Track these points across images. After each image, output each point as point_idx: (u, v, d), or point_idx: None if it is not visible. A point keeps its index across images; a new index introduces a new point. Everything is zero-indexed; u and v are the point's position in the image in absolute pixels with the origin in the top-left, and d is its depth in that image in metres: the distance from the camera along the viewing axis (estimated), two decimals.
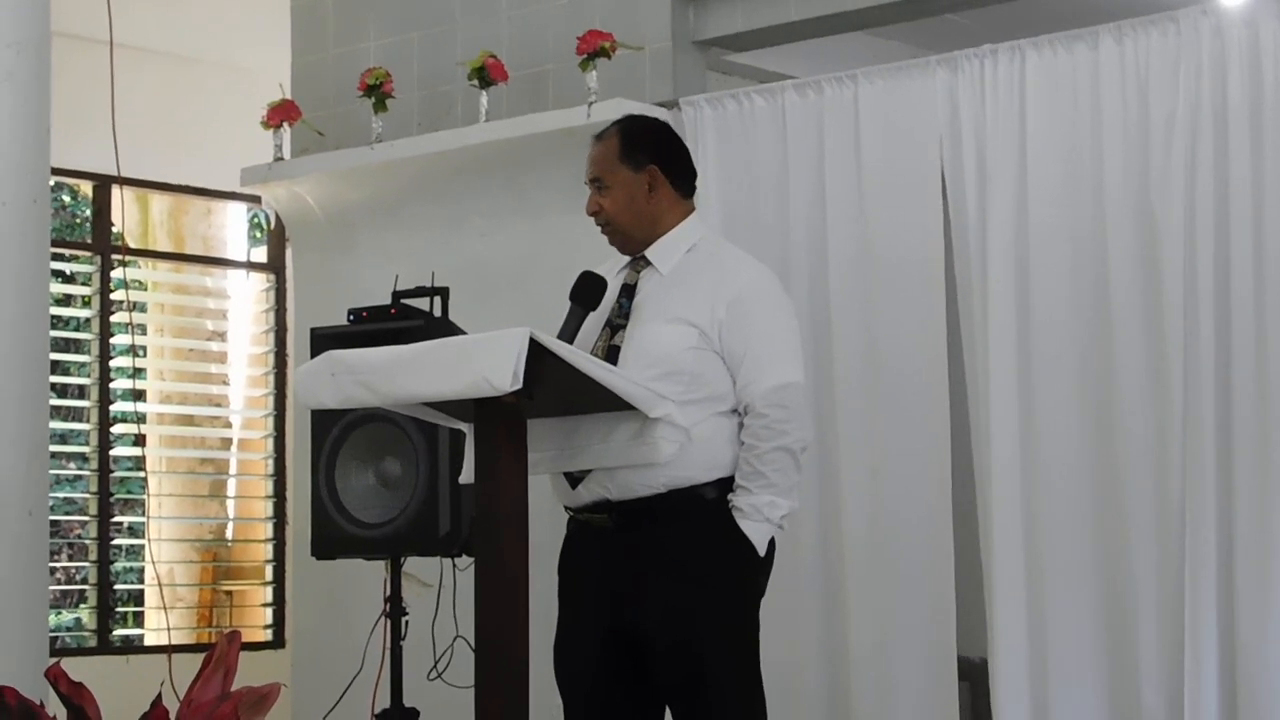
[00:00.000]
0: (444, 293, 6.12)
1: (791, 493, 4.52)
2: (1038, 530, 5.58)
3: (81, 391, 8.61)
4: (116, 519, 8.63)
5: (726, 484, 4.49)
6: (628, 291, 4.66)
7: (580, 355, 4.03)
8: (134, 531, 9.01)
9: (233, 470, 9.17)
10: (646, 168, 4.69)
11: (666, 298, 4.60)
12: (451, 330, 5.84)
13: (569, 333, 4.49)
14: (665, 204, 4.71)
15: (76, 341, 8.63)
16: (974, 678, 6.04)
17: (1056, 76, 5.63)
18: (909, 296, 5.88)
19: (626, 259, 4.74)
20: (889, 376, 5.90)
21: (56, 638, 8.56)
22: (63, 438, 8.50)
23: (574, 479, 4.51)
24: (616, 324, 4.60)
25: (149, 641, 8.70)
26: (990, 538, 5.64)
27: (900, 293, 5.89)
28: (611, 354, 4.54)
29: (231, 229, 9.33)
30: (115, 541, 8.55)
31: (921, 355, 5.84)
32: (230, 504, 9.16)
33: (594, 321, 4.60)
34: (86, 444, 8.47)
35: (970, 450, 5.75)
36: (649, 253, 4.69)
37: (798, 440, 4.50)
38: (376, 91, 6.83)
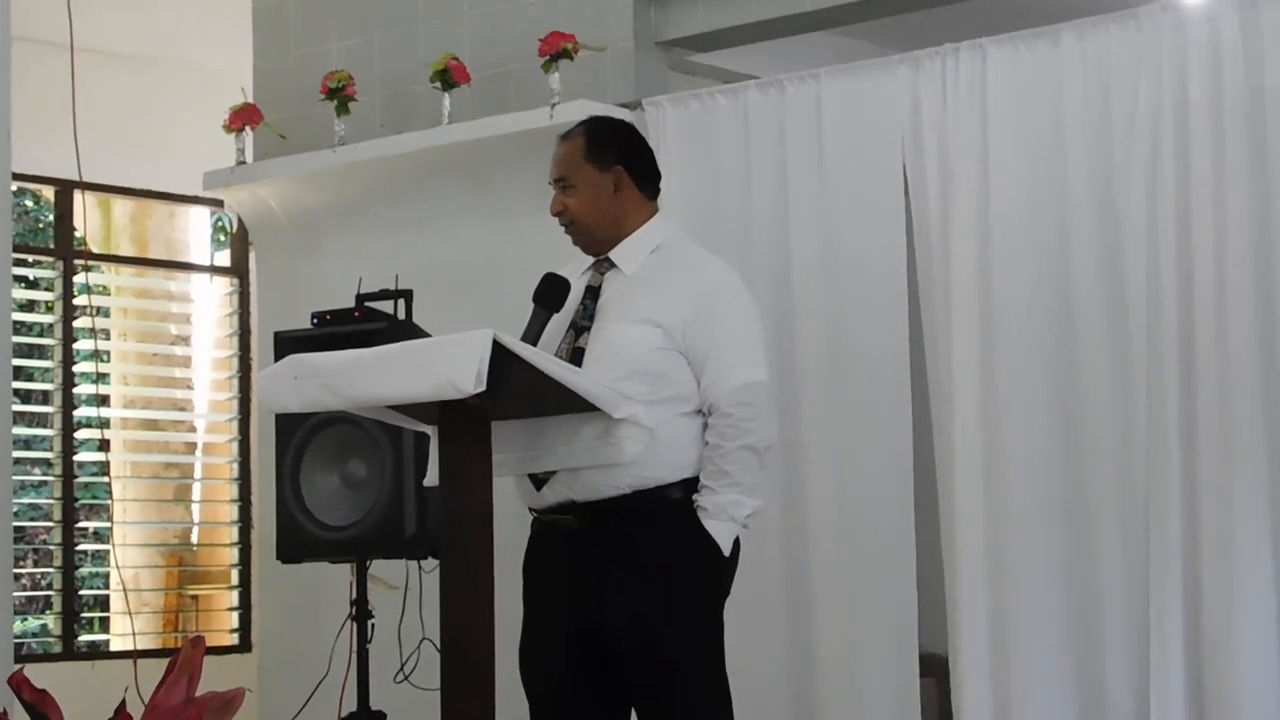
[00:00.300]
0: (408, 295, 6.11)
1: (756, 491, 4.52)
2: (1001, 527, 5.59)
3: (45, 397, 8.58)
4: (81, 524, 8.59)
5: (692, 484, 4.49)
6: (592, 293, 4.65)
7: (544, 357, 4.03)
8: (99, 537, 8.97)
9: (197, 474, 9.14)
10: (613, 168, 4.69)
11: (631, 298, 4.59)
12: (415, 333, 5.84)
13: (533, 334, 4.49)
14: (630, 205, 4.71)
15: (39, 347, 8.60)
16: (941, 674, 6.05)
17: (1018, 74, 5.64)
18: (872, 296, 5.89)
19: (590, 260, 4.73)
20: (852, 375, 5.91)
21: (21, 644, 8.53)
22: (26, 443, 8.46)
23: (539, 480, 4.50)
24: (581, 325, 4.60)
25: (115, 647, 8.67)
26: (953, 535, 5.65)
27: (863, 292, 5.90)
28: (576, 355, 4.53)
29: (194, 233, 9.28)
30: (80, 547, 8.51)
31: (884, 354, 5.85)
32: (195, 508, 9.13)
33: (558, 323, 4.60)
34: (50, 449, 8.43)
35: (933, 447, 5.76)
36: (613, 254, 4.68)
37: (762, 439, 4.50)
38: (339, 94, 6.82)
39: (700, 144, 6.23)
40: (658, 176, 4.82)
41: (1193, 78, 5.32)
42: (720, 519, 4.46)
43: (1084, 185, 5.51)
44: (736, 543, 4.53)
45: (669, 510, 4.47)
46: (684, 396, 4.50)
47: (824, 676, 5.90)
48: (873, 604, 5.84)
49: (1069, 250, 5.52)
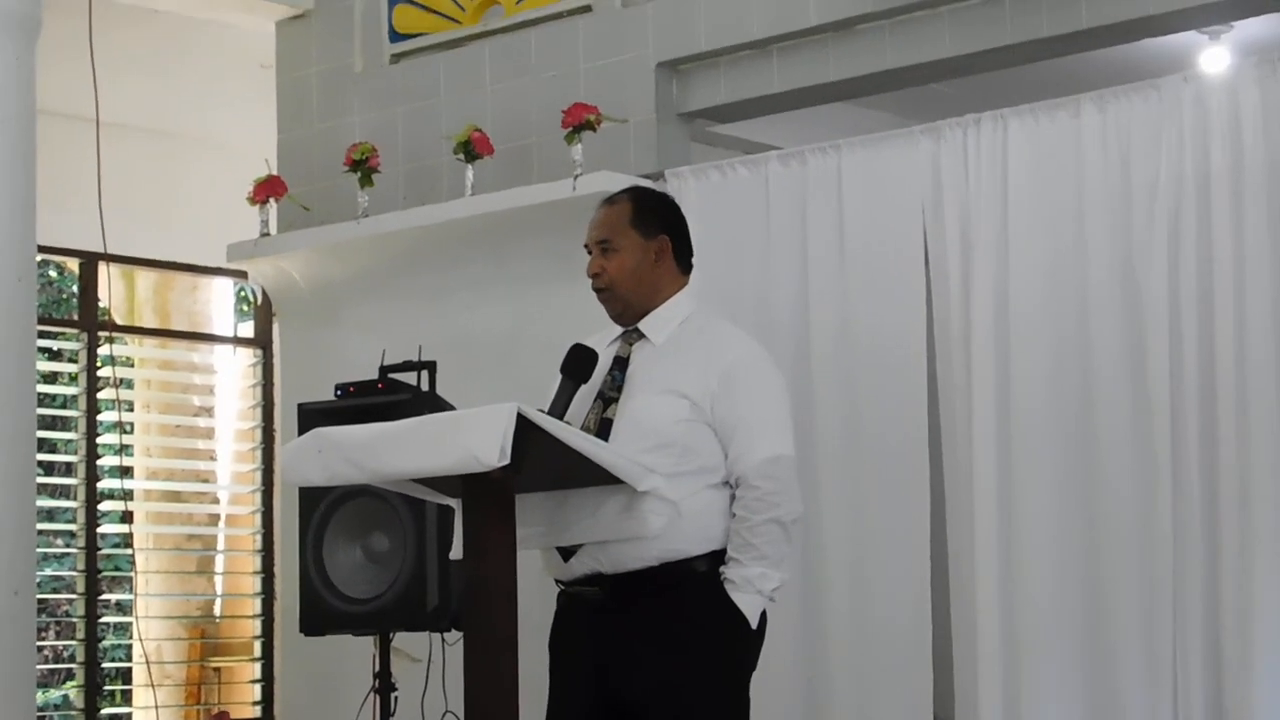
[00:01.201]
0: (431, 367, 6.11)
1: (783, 565, 4.52)
2: (1018, 605, 5.53)
3: (68, 468, 8.59)
4: (104, 596, 8.59)
5: (718, 557, 4.49)
6: (620, 364, 4.66)
7: (568, 430, 4.02)
8: (122, 608, 8.97)
9: (220, 546, 9.15)
10: (657, 236, 4.73)
11: (658, 369, 4.60)
12: (439, 405, 5.83)
13: (560, 405, 4.49)
14: (667, 276, 4.74)
15: (63, 418, 8.61)
16: None
17: (1039, 145, 5.64)
18: (891, 369, 5.86)
19: (617, 331, 4.74)
20: (870, 449, 5.87)
21: (44, 716, 8.52)
22: (50, 514, 8.48)
23: (566, 552, 4.50)
24: (609, 396, 4.60)
25: (137, 719, 8.65)
26: (972, 614, 5.60)
27: (882, 365, 5.88)
28: (604, 426, 4.54)
29: (218, 304, 9.33)
30: (103, 619, 8.51)
31: (903, 429, 5.82)
32: (218, 580, 9.13)
33: (585, 393, 4.60)
34: (73, 521, 8.44)
35: (949, 521, 5.74)
36: (643, 325, 4.70)
37: (789, 512, 4.51)
38: (362, 166, 6.84)
39: (721, 215, 6.22)
40: (692, 252, 4.84)
41: (1214, 148, 5.31)
42: (747, 592, 4.46)
43: (1105, 256, 5.49)
44: (763, 616, 4.53)
45: (696, 583, 4.46)
46: (711, 469, 4.51)
47: None
48: (889, 677, 5.80)
49: (1089, 322, 5.50)
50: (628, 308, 4.71)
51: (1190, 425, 5.29)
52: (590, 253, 4.75)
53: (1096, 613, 5.42)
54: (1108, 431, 5.43)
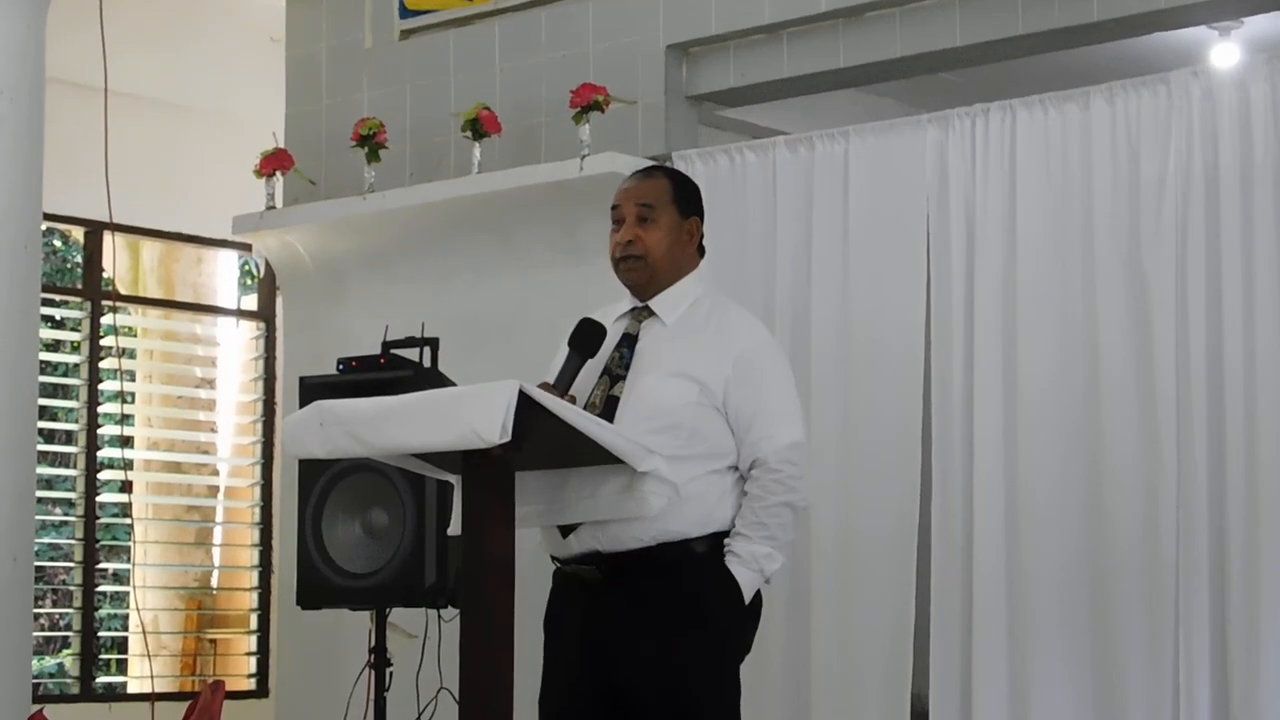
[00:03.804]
0: (434, 343, 6.12)
1: (786, 549, 4.54)
2: (1019, 600, 5.53)
3: (69, 437, 8.61)
4: (101, 565, 8.61)
5: (717, 539, 4.49)
6: (629, 341, 4.65)
7: (569, 408, 4.02)
8: (119, 578, 8.99)
9: (219, 518, 9.16)
10: (691, 218, 4.73)
11: (669, 350, 4.59)
12: (441, 381, 5.84)
13: (566, 379, 4.49)
14: (689, 258, 4.74)
15: (65, 387, 8.62)
16: None
17: (1047, 136, 5.63)
18: (890, 355, 5.85)
19: (622, 307, 4.72)
20: (866, 434, 5.88)
21: (39, 684, 8.52)
22: (49, 483, 8.49)
23: (565, 530, 4.49)
24: (616, 374, 4.59)
25: (132, 689, 8.67)
26: (970, 595, 5.62)
27: (882, 351, 5.87)
28: (610, 404, 4.53)
29: (222, 277, 9.33)
30: (100, 588, 8.52)
31: (898, 415, 5.81)
32: (216, 552, 9.14)
33: (590, 369, 4.58)
34: (73, 490, 8.46)
35: (940, 510, 5.74)
36: (654, 303, 4.68)
37: (802, 499, 4.54)
38: (370, 141, 6.84)
39: (727, 198, 6.22)
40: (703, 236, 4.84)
41: (1223, 143, 5.31)
42: (750, 568, 4.47)
43: (1111, 250, 5.48)
44: (759, 598, 4.54)
45: (693, 564, 4.47)
46: (716, 453, 4.51)
47: None
48: (871, 658, 5.81)
49: (1096, 314, 5.49)
50: (651, 281, 4.68)
51: (1197, 419, 5.28)
52: (618, 219, 4.70)
53: (1100, 601, 5.41)
54: (1112, 424, 5.43)
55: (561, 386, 4.44)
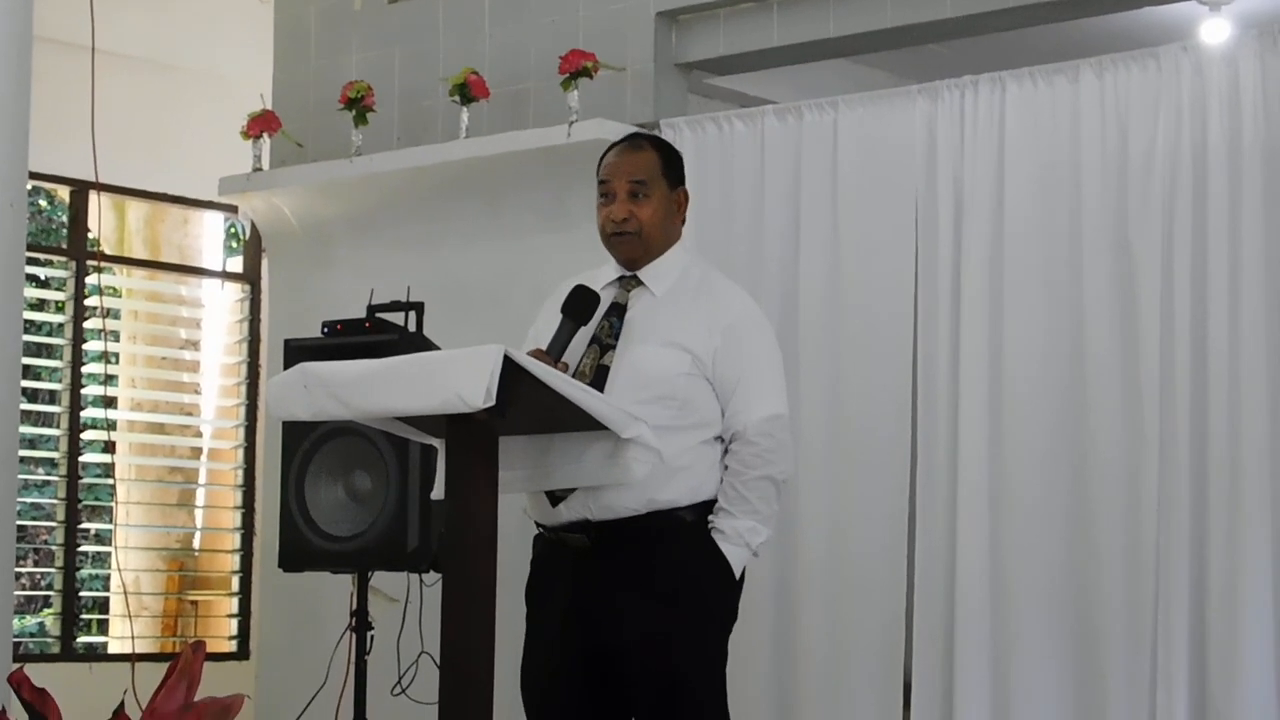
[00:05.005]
0: (419, 308, 6.12)
1: (770, 522, 4.54)
2: (1001, 562, 5.55)
3: (52, 397, 8.59)
4: (83, 526, 8.60)
5: (706, 508, 4.50)
6: (618, 310, 4.63)
7: (553, 374, 4.01)
8: (101, 539, 8.98)
9: (202, 480, 9.16)
10: (678, 188, 4.72)
11: (659, 320, 4.59)
12: (425, 346, 5.84)
13: (559, 345, 4.49)
14: (677, 229, 4.74)
15: (49, 347, 8.60)
16: None
17: (1036, 109, 5.63)
18: (877, 327, 5.87)
19: (611, 275, 4.70)
20: (853, 404, 5.89)
21: (20, 643, 8.52)
22: (32, 443, 8.47)
23: (555, 497, 4.49)
24: (606, 343, 4.58)
25: (113, 649, 8.68)
26: (953, 567, 5.63)
27: (869, 323, 5.88)
28: (600, 373, 4.52)
29: (208, 238, 9.31)
30: (81, 548, 8.51)
31: (886, 387, 5.83)
32: (198, 514, 9.14)
33: (579, 336, 4.58)
34: (56, 450, 8.44)
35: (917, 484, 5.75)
36: (642, 273, 4.67)
37: (783, 471, 4.54)
38: (358, 104, 6.82)
39: (715, 167, 6.23)
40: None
41: (1212, 119, 5.31)
42: (736, 544, 4.48)
43: (1099, 223, 5.49)
44: (743, 571, 4.54)
45: (683, 533, 4.47)
46: (706, 423, 4.52)
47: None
48: (861, 636, 5.82)
49: (1081, 287, 5.49)
50: (645, 254, 4.67)
51: (1180, 398, 5.29)
52: (606, 194, 4.68)
53: (1080, 587, 5.43)
54: (1097, 398, 5.44)
55: (555, 353, 4.44)
